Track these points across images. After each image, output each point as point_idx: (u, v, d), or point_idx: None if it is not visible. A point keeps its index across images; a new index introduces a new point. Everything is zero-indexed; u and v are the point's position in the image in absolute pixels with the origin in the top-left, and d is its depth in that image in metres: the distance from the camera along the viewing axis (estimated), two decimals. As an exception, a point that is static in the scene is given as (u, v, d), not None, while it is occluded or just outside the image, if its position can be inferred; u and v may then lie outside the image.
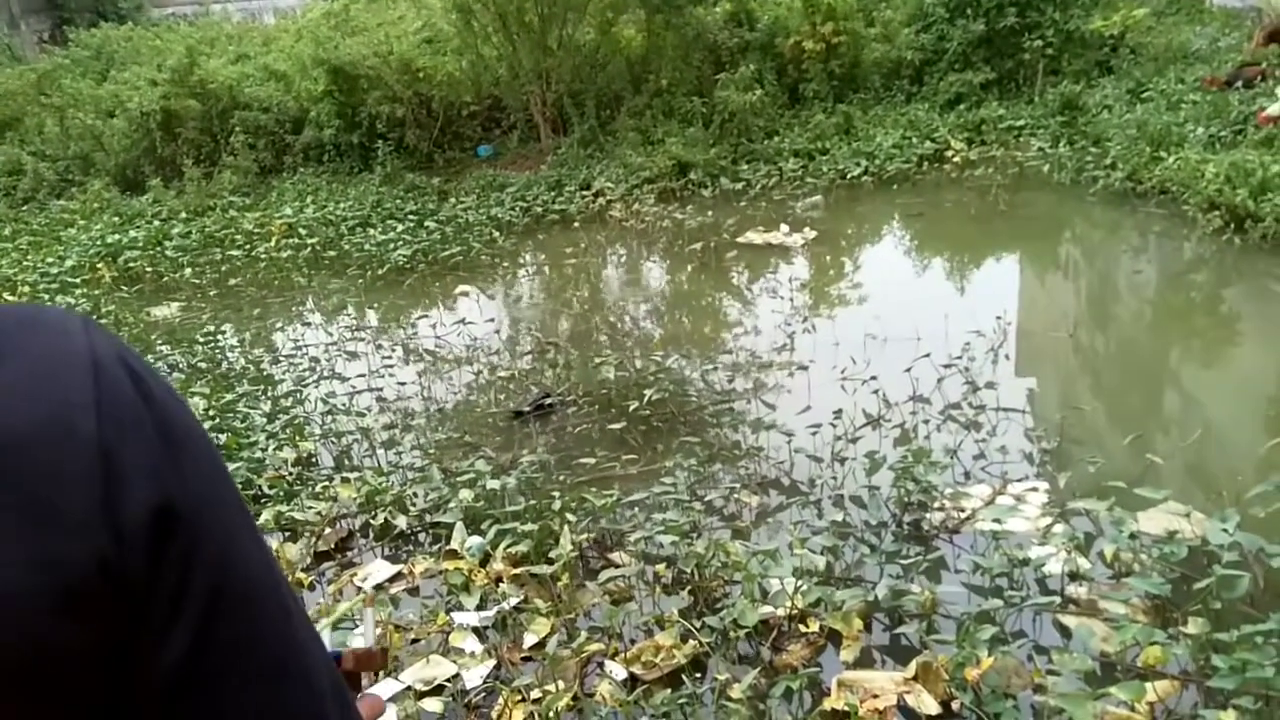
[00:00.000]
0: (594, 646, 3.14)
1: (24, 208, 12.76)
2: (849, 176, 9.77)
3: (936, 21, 11.96)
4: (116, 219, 11.16)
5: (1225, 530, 3.11)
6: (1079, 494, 3.81)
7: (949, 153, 10.01)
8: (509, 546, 3.68)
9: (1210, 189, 7.00)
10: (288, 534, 4.15)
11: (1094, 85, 10.78)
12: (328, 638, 0.86)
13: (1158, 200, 7.75)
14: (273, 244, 9.52)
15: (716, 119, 11.03)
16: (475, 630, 3.35)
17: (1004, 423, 4.68)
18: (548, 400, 5.33)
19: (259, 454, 4.79)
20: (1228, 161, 7.13)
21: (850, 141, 10.55)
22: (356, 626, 2.57)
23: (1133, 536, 3.39)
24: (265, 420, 5.34)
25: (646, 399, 4.96)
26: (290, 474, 4.71)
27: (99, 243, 9.97)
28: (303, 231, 9.70)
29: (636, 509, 4.03)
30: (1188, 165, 7.48)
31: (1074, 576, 3.36)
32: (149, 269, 9.37)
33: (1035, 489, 4.02)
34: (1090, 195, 8.29)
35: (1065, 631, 3.16)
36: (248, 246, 9.59)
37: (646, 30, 12.10)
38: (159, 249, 9.78)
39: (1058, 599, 3.21)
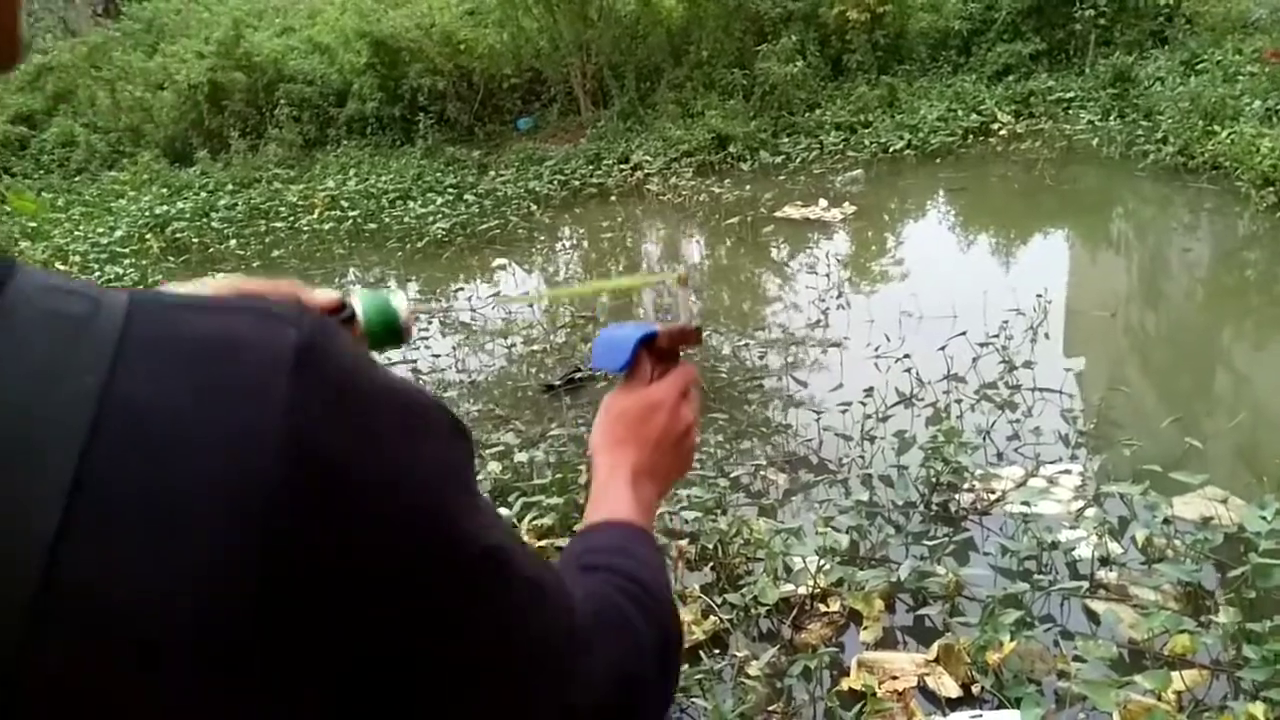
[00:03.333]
0: (615, 621, 3.16)
1: (76, 178, 13.04)
2: (891, 150, 9.61)
3: (986, -10, 11.69)
4: (165, 190, 11.36)
5: (1263, 517, 3.03)
6: (1115, 477, 3.74)
7: (995, 125, 9.81)
8: (534, 519, 3.71)
9: (1265, 164, 6.78)
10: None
11: (1147, 56, 10.48)
12: (649, 301, 0.89)
13: (1209, 176, 7.53)
14: (315, 216, 9.64)
15: (757, 91, 10.92)
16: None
17: (1040, 403, 4.60)
18: (579, 374, 5.34)
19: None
20: (1285, 136, 6.89)
21: (894, 114, 10.38)
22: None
23: (1167, 522, 3.32)
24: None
25: (677, 374, 4.94)
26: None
27: (148, 214, 10.17)
28: (345, 204, 9.80)
29: (663, 484, 4.03)
30: (1242, 140, 7.24)
31: (1105, 561, 3.30)
32: (195, 240, 9.53)
33: (1068, 471, 3.95)
34: (1139, 170, 8.07)
35: (1094, 617, 3.10)
36: (291, 219, 9.72)
37: (688, 0, 11.97)
38: (205, 220, 9.95)
39: (1086, 584, 3.15)
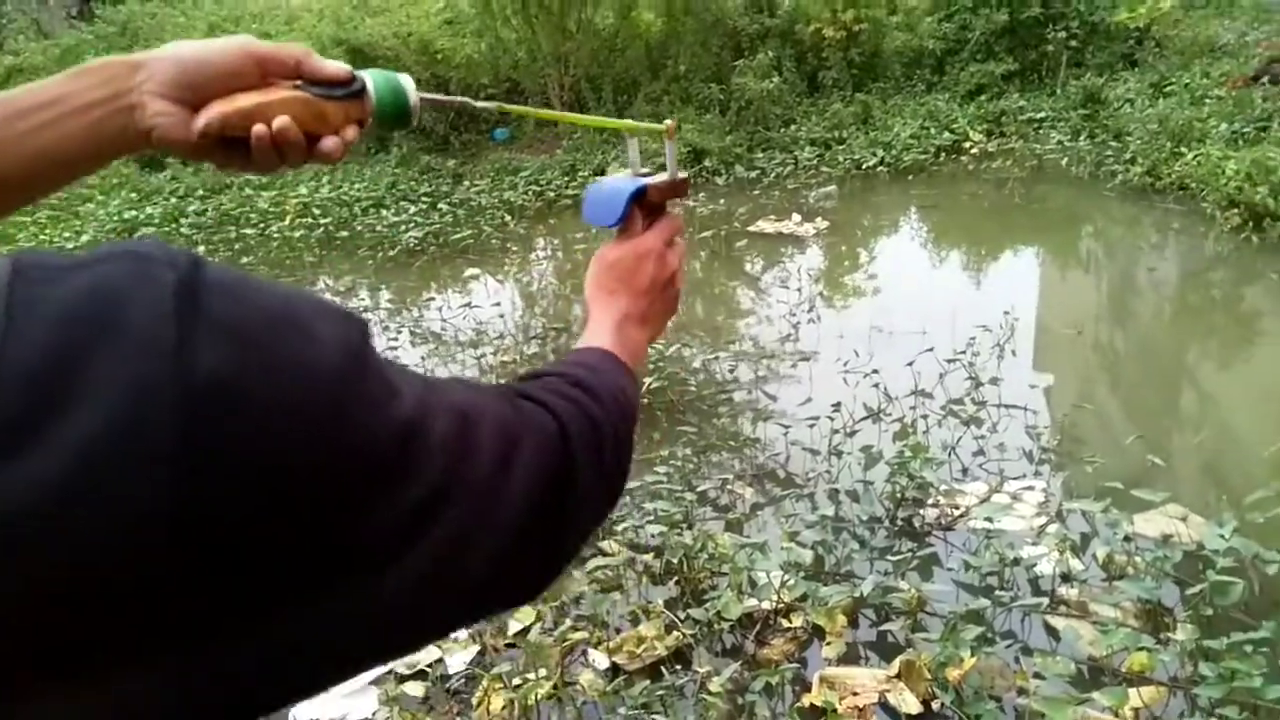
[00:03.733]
0: (577, 635, 3.13)
1: (44, 182, 12.85)
2: (865, 166, 9.68)
3: (959, 10, 11.83)
4: (134, 195, 11.21)
5: (1221, 535, 3.06)
6: (1078, 494, 3.76)
7: (967, 144, 9.91)
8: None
9: (1230, 186, 6.89)
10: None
11: (1117, 78, 10.63)
12: (635, 150, 0.99)
13: (1176, 197, 7.64)
14: (287, 223, 9.54)
15: (733, 106, 10.96)
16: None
17: (1006, 420, 4.62)
18: (548, 386, 5.31)
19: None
20: (1249, 158, 7.00)
21: (868, 131, 10.45)
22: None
23: (1128, 539, 3.35)
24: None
25: (646, 386, 4.94)
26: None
27: (116, 218, 10.03)
28: (316, 211, 9.71)
29: (628, 497, 4.01)
30: (1208, 162, 7.36)
31: (1066, 578, 3.31)
32: (164, 246, 9.42)
33: (1032, 488, 3.97)
34: (1108, 190, 8.17)
35: (1054, 634, 3.11)
36: (262, 225, 9.62)
37: (666, 15, 12.02)
38: (175, 226, 9.84)
39: (1047, 600, 3.16)
